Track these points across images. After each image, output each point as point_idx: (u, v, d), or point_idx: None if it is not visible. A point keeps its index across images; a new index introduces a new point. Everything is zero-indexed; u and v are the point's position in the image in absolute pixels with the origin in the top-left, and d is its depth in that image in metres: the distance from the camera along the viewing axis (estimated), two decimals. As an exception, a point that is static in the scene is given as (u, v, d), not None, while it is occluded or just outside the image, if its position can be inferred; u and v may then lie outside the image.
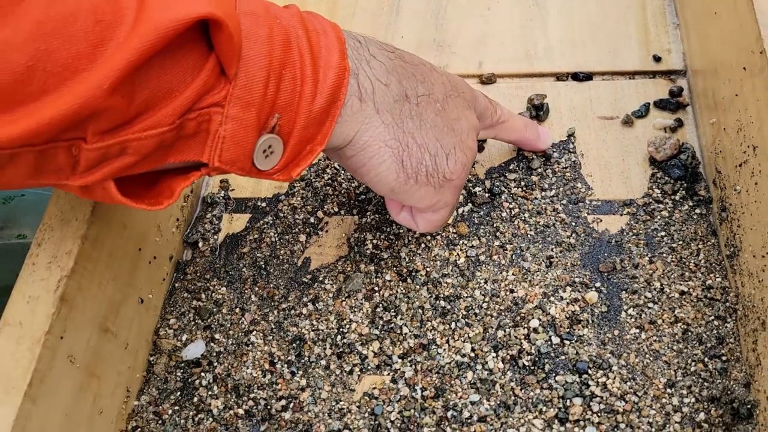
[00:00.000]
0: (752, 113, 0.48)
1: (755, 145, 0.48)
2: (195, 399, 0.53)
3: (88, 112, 0.33)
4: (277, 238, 0.60)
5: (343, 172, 0.63)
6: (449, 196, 0.49)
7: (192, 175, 0.40)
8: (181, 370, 0.55)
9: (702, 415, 0.47)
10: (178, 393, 0.54)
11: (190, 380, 0.54)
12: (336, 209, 0.61)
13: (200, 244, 0.61)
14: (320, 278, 0.58)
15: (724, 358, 0.50)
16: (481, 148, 0.63)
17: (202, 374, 0.54)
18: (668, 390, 0.49)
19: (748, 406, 0.46)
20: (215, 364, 0.54)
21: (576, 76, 0.66)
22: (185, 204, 0.61)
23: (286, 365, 0.54)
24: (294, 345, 0.54)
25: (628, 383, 0.49)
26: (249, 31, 0.38)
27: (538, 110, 0.63)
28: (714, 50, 0.58)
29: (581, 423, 0.48)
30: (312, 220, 0.61)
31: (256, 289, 0.58)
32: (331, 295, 0.57)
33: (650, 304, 0.53)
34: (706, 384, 0.49)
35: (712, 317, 0.51)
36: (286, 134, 0.41)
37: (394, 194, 0.47)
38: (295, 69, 0.39)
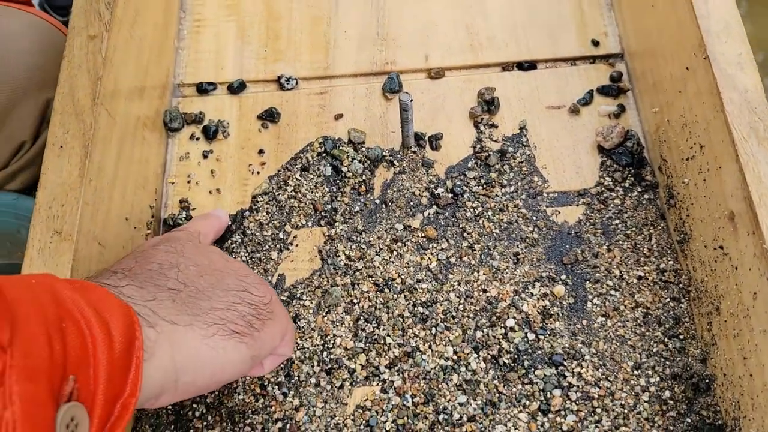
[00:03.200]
0: (698, 113, 0.52)
1: (702, 144, 0.52)
2: (190, 431, 0.54)
3: None
4: (248, 257, 0.60)
5: (305, 183, 0.63)
6: (281, 311, 0.48)
7: None
8: (174, 404, 0.55)
9: (667, 393, 0.53)
10: (172, 426, 0.54)
11: (182, 412, 0.55)
12: (303, 222, 0.62)
13: (169, 271, 0.60)
14: (298, 295, 0.59)
15: (681, 336, 0.55)
16: (438, 147, 0.64)
17: (194, 405, 0.55)
18: (635, 372, 0.54)
19: (707, 381, 0.52)
20: (206, 394, 0.55)
21: (521, 66, 0.68)
22: (149, 231, 0.60)
23: (276, 387, 0.55)
24: (282, 366, 0.56)
25: (600, 370, 0.54)
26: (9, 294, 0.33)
27: (489, 105, 0.65)
28: (651, 37, 0.61)
29: (562, 413, 0.52)
30: (281, 235, 0.61)
31: (235, 312, 0.58)
32: (311, 311, 0.58)
33: (612, 292, 0.57)
34: (668, 363, 0.54)
35: (668, 299, 0.56)
36: (89, 397, 0.34)
37: (257, 359, 0.46)
38: (76, 319, 0.34)
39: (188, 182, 0.64)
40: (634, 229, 0.59)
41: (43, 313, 0.33)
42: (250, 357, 0.44)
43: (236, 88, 0.68)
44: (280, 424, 0.54)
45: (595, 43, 0.68)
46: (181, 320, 0.41)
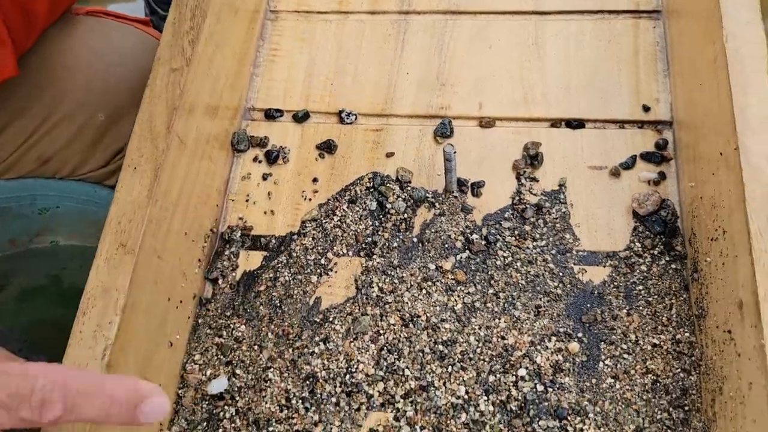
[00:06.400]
0: (725, 199, 0.54)
1: (725, 230, 0.54)
2: (219, 430, 0.60)
3: None
4: (290, 278, 0.66)
5: (351, 214, 0.68)
6: None
7: None
8: (207, 403, 0.61)
9: (663, 461, 0.55)
10: (204, 424, 0.60)
11: (214, 413, 0.61)
12: (344, 251, 0.67)
13: (219, 281, 0.66)
14: (330, 318, 0.64)
15: (686, 408, 0.57)
16: (479, 194, 0.68)
17: (226, 407, 0.61)
18: (636, 436, 0.56)
19: (704, 455, 0.54)
20: (237, 398, 0.61)
21: (569, 124, 0.70)
22: (205, 244, 0.66)
23: (300, 401, 0.60)
24: (307, 382, 0.61)
25: (602, 429, 0.56)
26: None
27: (533, 159, 0.68)
28: (697, 113, 0.62)
29: (559, 464, 0.55)
30: (322, 261, 0.66)
31: (273, 327, 0.64)
32: (340, 335, 0.63)
33: (625, 355, 0.59)
34: (669, 431, 0.56)
35: (679, 370, 0.58)
36: None
37: None
38: None
39: (247, 201, 0.70)
40: (656, 296, 0.61)
41: None
42: None
43: (300, 118, 0.74)
44: (298, 436, 0.59)
45: (646, 109, 0.70)
46: None
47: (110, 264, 0.53)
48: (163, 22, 1.69)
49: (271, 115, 0.74)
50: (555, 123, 0.71)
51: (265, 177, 0.71)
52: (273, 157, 0.72)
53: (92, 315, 0.51)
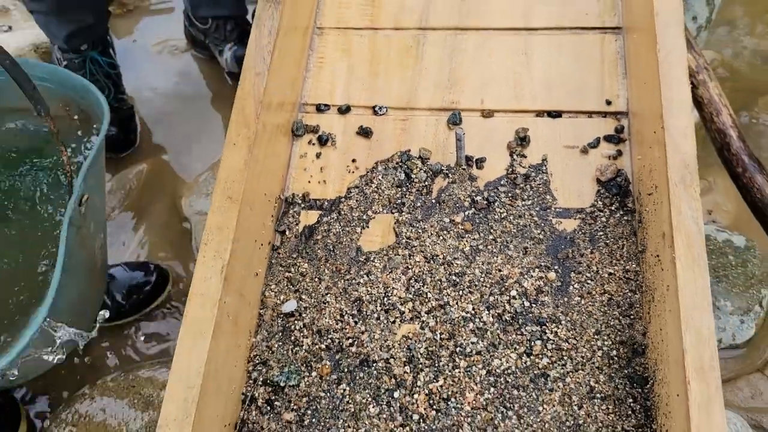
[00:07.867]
0: (657, 164, 0.76)
1: (657, 185, 0.75)
2: (292, 338, 0.82)
3: None
4: (340, 230, 0.88)
5: (385, 182, 0.90)
6: None
7: None
8: (281, 319, 0.83)
9: (614, 352, 0.77)
10: (281, 334, 0.82)
11: (287, 326, 0.83)
12: (380, 209, 0.89)
13: (287, 233, 0.88)
14: (371, 258, 0.86)
15: (631, 316, 0.78)
16: (481, 167, 0.90)
17: (296, 322, 0.83)
18: (595, 336, 0.78)
19: (643, 347, 0.76)
20: (304, 315, 0.83)
21: (550, 114, 0.92)
22: (276, 204, 0.88)
23: (351, 317, 0.82)
24: (356, 304, 0.83)
25: (571, 332, 0.78)
26: None
27: (522, 141, 0.90)
28: (642, 104, 0.84)
29: (540, 356, 0.77)
30: (364, 217, 0.88)
31: (328, 265, 0.86)
32: (379, 270, 0.85)
33: (589, 281, 0.81)
34: (619, 333, 0.78)
35: (627, 291, 0.80)
36: None
37: None
38: None
39: (304, 173, 0.92)
40: (612, 239, 0.83)
41: None
42: None
43: (344, 110, 0.96)
44: (350, 341, 0.81)
45: (608, 103, 0.92)
46: None
47: (221, 210, 0.75)
48: (200, 33, 1.80)
49: (320, 108, 0.96)
50: (539, 113, 0.93)
51: (318, 155, 0.93)
52: (323, 141, 0.94)
53: (212, 244, 0.73)
